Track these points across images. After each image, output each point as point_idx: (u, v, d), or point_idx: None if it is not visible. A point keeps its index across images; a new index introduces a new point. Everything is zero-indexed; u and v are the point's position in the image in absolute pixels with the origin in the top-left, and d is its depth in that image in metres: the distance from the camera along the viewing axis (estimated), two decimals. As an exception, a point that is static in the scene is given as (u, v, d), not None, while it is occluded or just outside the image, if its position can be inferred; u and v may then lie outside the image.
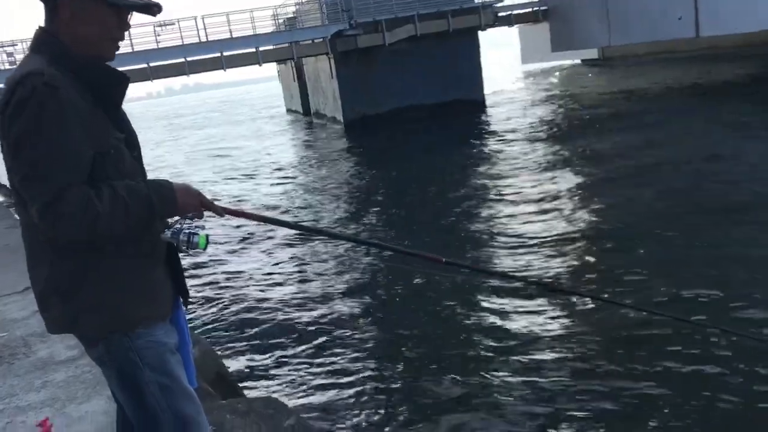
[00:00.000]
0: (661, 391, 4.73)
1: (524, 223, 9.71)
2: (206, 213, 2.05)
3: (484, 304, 6.77)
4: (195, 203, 1.97)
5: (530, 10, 30.74)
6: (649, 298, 6.23)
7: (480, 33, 27.04)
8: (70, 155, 1.75)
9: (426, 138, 21.21)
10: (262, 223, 2.38)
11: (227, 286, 8.68)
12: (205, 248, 2.01)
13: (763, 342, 4.90)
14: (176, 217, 2.00)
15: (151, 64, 23.51)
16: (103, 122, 1.87)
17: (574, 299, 6.40)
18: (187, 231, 1.98)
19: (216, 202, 2.09)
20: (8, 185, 1.91)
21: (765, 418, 4.33)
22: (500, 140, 18.30)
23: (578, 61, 41.02)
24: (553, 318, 6.21)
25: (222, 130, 36.83)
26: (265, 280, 8.76)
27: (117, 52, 1.95)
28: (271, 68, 40.37)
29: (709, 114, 16.99)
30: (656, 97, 22.42)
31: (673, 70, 28.13)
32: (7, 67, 23.16)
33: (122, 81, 1.95)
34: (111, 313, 1.91)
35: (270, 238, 10.79)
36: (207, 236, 2.01)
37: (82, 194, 1.74)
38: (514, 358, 5.55)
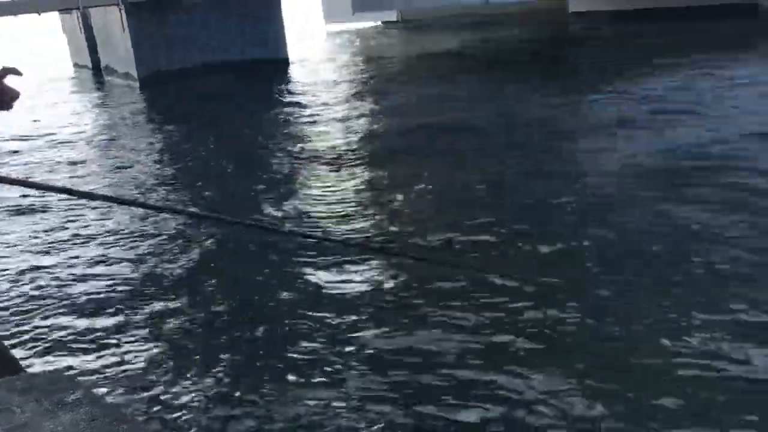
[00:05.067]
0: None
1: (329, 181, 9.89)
2: None
3: (294, 267, 6.82)
4: None
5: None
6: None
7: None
8: None
9: (222, 96, 20.46)
10: (30, 188, 2.17)
11: (4, 260, 7.92)
12: None
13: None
14: None
15: None
16: None
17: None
18: None
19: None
20: None
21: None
22: (301, 98, 18.29)
23: (380, 23, 41.89)
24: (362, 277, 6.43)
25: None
26: (47, 251, 8.08)
27: None
28: (53, 19, 36.54)
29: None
30: (448, 57, 23.67)
31: (464, 34, 29.88)
32: None
33: None
34: None
35: (49, 207, 9.83)
36: None
37: None
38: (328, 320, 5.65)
